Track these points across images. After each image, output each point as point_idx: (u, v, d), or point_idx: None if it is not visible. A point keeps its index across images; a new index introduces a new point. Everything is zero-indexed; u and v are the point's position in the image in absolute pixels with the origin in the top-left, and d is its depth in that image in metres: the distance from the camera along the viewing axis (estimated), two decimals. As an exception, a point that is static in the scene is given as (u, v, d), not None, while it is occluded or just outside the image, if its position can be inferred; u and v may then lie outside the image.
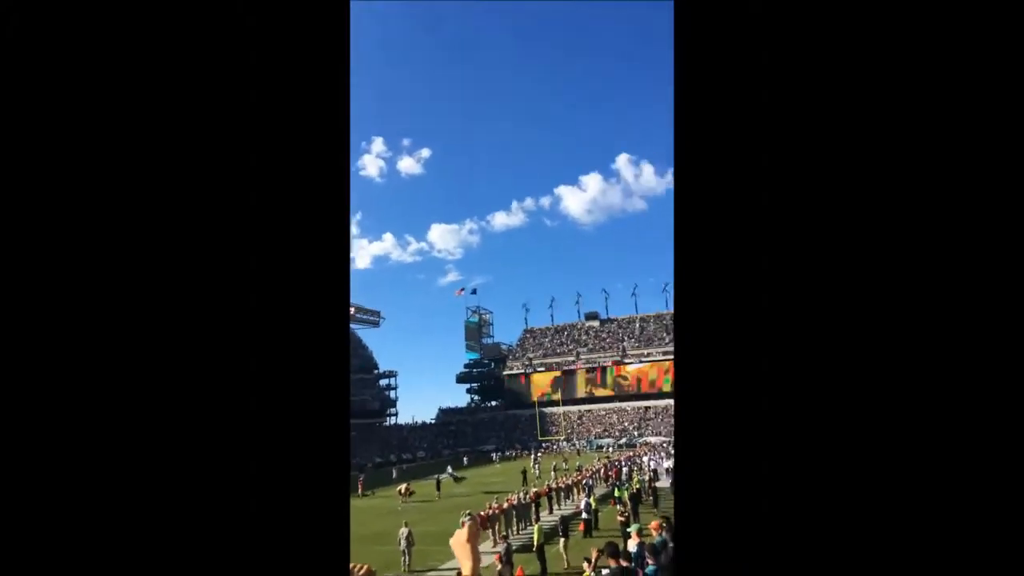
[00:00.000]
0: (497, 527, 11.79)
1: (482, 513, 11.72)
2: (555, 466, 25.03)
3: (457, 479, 21.80)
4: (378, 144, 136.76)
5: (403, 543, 10.28)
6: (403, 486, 20.21)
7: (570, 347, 57.65)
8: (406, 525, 10.57)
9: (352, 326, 61.26)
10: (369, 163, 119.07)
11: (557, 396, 50.11)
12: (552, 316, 62.74)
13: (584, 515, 12.37)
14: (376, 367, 59.27)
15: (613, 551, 4.97)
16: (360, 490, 23.34)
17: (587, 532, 11.80)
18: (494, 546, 11.02)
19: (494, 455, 39.37)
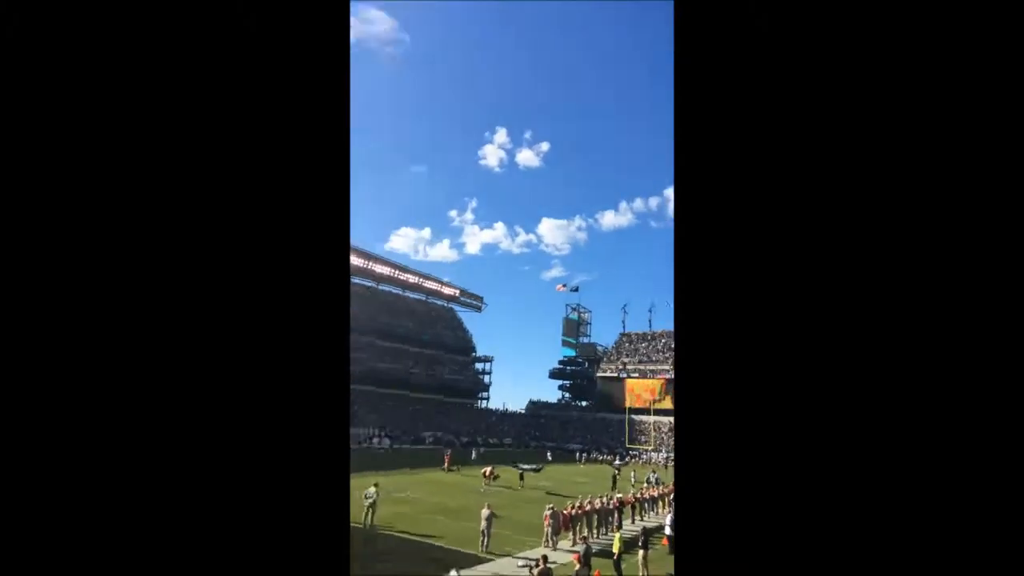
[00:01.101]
0: (578, 527, 11.67)
1: (565, 511, 11.65)
2: (647, 477, 24.19)
3: (524, 471, 21.88)
4: (501, 135, 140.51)
5: (484, 523, 10.57)
6: (488, 468, 20.77)
7: (666, 355, 55.21)
8: (488, 507, 10.84)
9: (454, 307, 64.07)
10: (490, 153, 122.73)
11: (665, 402, 48.11)
12: (650, 322, 60.53)
13: (668, 530, 11.80)
14: (474, 350, 61.45)
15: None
16: (446, 465, 24.52)
17: (671, 548, 11.23)
18: (573, 545, 10.93)
19: (579, 455, 39.05)
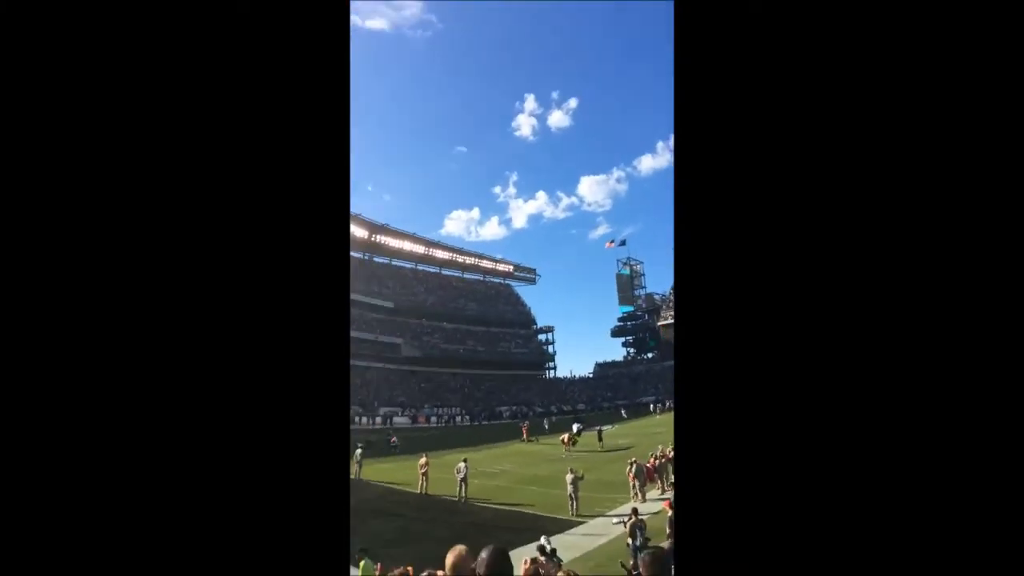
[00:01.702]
0: (664, 476, 12.04)
1: (648, 463, 12.01)
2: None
3: (589, 431, 22.23)
4: (530, 102, 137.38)
5: (570, 488, 11.11)
6: (565, 435, 21.41)
7: (737, 303, 52.83)
8: (572, 471, 11.37)
9: (511, 283, 64.69)
10: (523, 123, 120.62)
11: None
12: (713, 267, 57.63)
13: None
14: (534, 322, 62.09)
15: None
16: (525, 436, 25.46)
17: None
18: (662, 494, 11.27)
19: (653, 407, 38.93)
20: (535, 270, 66.28)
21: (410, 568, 2.12)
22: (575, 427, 22.99)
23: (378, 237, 53.68)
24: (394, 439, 23.21)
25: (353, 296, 47.36)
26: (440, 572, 2.34)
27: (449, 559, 2.17)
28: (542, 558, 2.19)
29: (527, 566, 2.24)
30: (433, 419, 38.12)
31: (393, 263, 57.44)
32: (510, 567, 1.68)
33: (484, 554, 1.69)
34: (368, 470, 16.29)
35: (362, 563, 6.85)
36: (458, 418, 40.17)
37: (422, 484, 14.18)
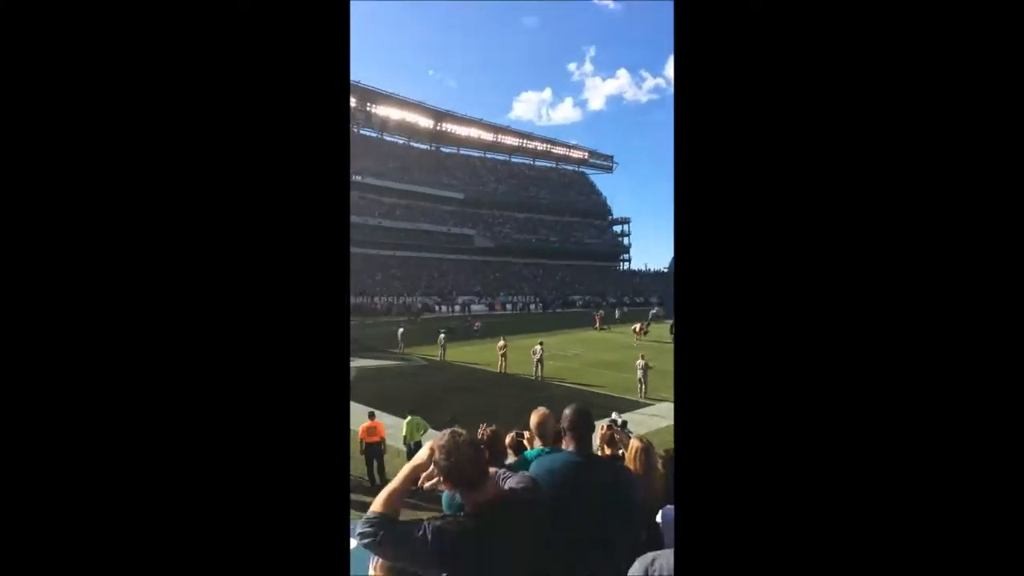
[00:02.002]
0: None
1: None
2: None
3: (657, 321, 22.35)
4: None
5: (640, 372, 11.62)
6: (637, 325, 21.83)
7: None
8: (642, 358, 11.80)
9: (585, 171, 62.38)
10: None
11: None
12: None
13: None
14: (609, 213, 60.57)
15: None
16: (597, 324, 26.33)
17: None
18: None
19: (730, 303, 38.00)
20: (612, 157, 63.15)
21: (493, 428, 2.40)
22: (653, 311, 23.17)
23: (443, 125, 52.69)
24: (477, 324, 24.95)
25: (422, 188, 48.06)
26: (526, 432, 2.64)
27: (534, 419, 2.41)
28: (616, 427, 2.44)
29: (604, 431, 2.48)
30: (508, 307, 39.96)
31: (461, 152, 56.81)
32: (592, 424, 1.82)
33: (568, 411, 1.83)
34: (451, 353, 17.76)
35: (408, 420, 7.69)
36: (532, 306, 41.81)
37: (501, 364, 15.38)
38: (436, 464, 1.32)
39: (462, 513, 1.36)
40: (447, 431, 1.36)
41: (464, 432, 1.37)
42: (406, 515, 1.36)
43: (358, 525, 1.30)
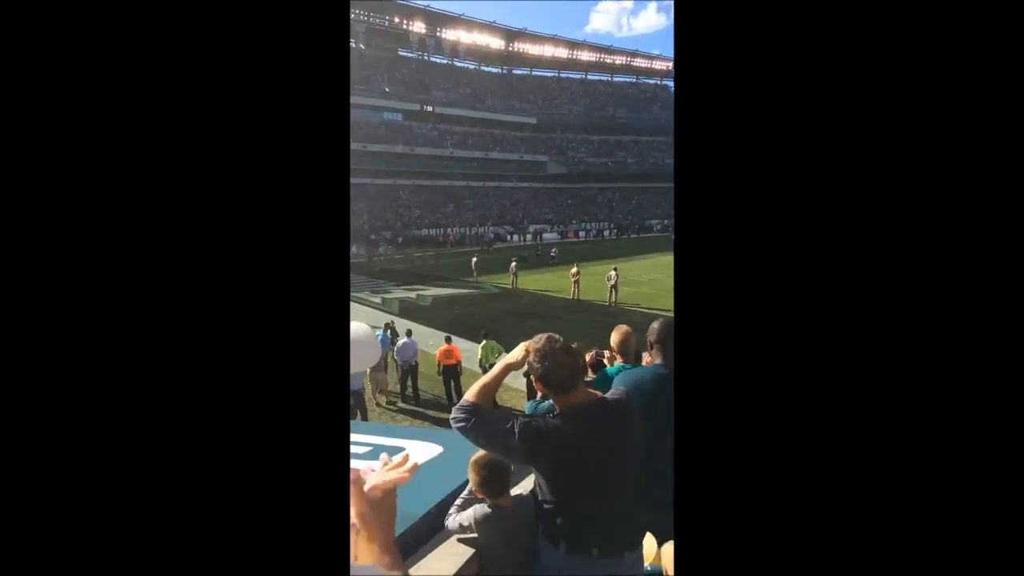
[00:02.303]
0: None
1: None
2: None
3: None
4: None
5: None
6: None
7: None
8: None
9: (668, 83, 57.61)
10: None
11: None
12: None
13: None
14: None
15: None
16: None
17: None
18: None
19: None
20: (695, 65, 57.33)
21: (575, 345, 2.33)
22: None
23: (515, 45, 50.27)
24: (554, 251, 25.45)
25: (492, 115, 47.06)
26: (606, 351, 2.56)
27: (615, 336, 2.34)
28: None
29: None
30: (581, 234, 39.26)
31: (534, 73, 54.34)
32: None
33: (656, 324, 1.83)
34: (523, 280, 17.93)
35: (483, 344, 8.03)
36: (606, 232, 40.81)
37: (574, 291, 15.35)
38: (530, 365, 1.37)
39: (551, 415, 1.39)
40: (543, 335, 1.39)
41: (560, 338, 1.39)
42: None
43: (452, 411, 1.41)
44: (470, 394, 1.41)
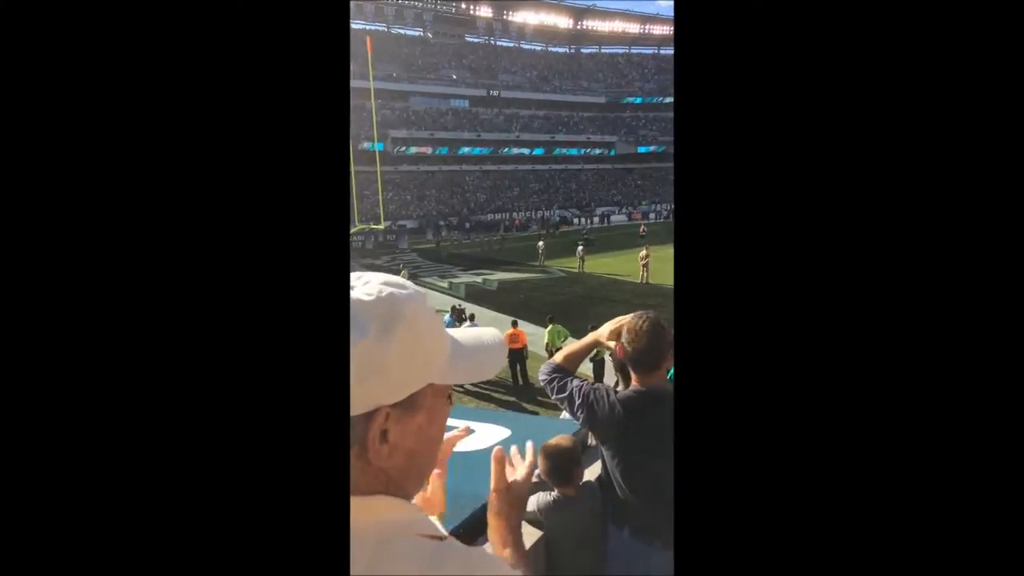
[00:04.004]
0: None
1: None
2: None
3: None
4: None
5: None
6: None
7: None
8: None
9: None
10: None
11: None
12: None
13: None
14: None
15: None
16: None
17: None
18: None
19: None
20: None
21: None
22: None
23: (584, 23, 48.93)
24: (643, 228, 26.04)
25: (559, 97, 46.22)
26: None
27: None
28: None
29: None
30: (651, 215, 37.99)
31: (602, 50, 52.74)
32: None
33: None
34: (589, 264, 17.69)
35: (549, 328, 8.01)
36: (651, 215, 39.23)
37: (643, 275, 14.96)
38: (620, 342, 1.40)
39: (627, 391, 1.42)
40: (640, 312, 1.43)
41: (655, 316, 1.41)
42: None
43: (541, 369, 1.55)
44: (558, 356, 1.55)
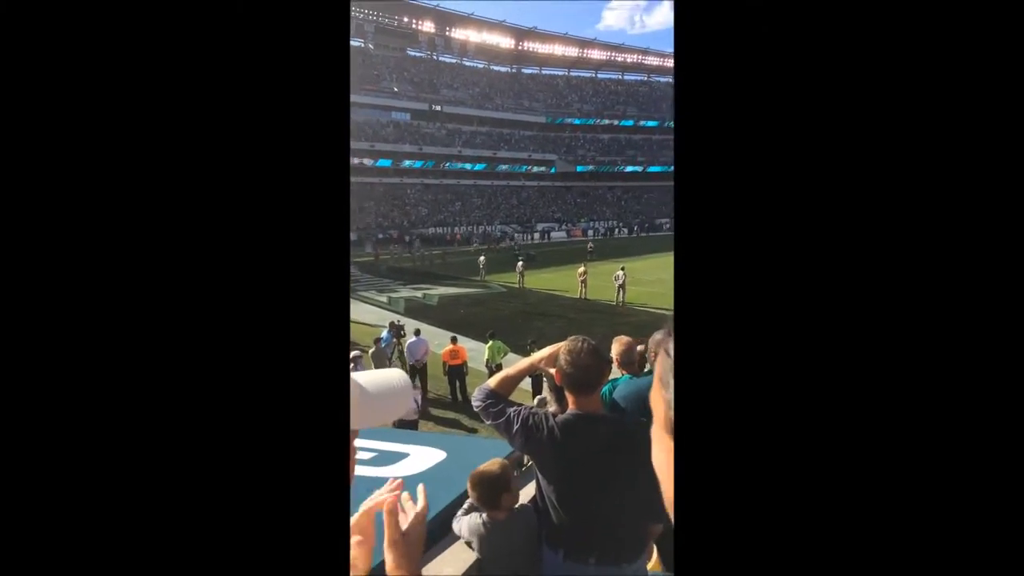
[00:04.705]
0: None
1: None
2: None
3: None
4: None
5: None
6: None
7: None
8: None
9: (676, 84, 57.25)
10: None
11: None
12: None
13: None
14: (702, 128, 55.79)
15: None
16: (686, 249, 25.44)
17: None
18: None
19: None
20: (705, 64, 56.94)
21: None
22: None
23: (525, 44, 50.12)
24: (591, 245, 26.33)
25: (501, 115, 46.97)
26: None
27: (616, 348, 2.28)
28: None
29: None
30: (590, 232, 39.12)
31: (543, 72, 54.21)
32: None
33: (659, 334, 1.91)
34: (529, 280, 17.91)
35: (490, 344, 8.05)
36: (615, 231, 40.67)
37: (581, 290, 15.31)
38: (557, 365, 1.40)
39: (561, 415, 1.42)
40: (576, 337, 1.43)
41: (592, 340, 1.41)
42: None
43: (474, 395, 1.52)
44: (492, 381, 1.52)
